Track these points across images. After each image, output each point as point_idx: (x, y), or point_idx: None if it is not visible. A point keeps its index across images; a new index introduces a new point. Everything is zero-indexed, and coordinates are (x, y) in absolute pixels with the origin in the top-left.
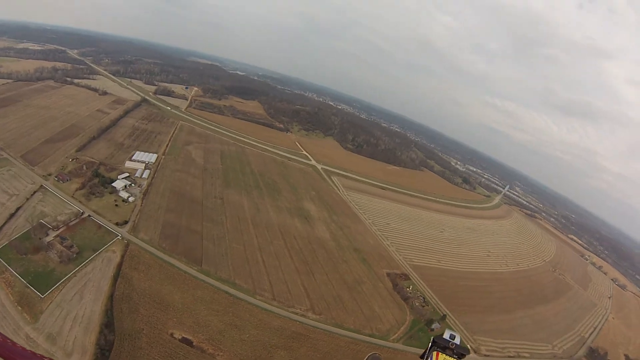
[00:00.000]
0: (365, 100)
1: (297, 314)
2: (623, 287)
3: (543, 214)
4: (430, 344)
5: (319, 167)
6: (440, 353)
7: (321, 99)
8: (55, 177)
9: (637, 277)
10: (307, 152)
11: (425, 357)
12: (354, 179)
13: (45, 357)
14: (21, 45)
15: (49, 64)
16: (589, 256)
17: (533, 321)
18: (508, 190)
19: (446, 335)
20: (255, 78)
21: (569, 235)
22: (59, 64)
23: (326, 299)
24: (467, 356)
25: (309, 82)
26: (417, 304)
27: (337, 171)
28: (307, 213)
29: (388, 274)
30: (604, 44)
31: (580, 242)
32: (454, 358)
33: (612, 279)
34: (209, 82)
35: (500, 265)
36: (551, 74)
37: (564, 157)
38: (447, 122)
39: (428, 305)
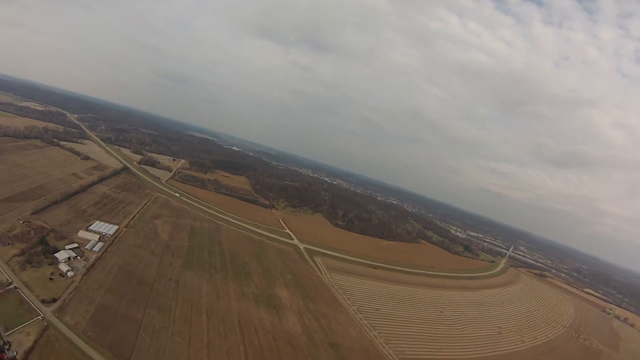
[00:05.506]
0: (361, 175)
1: None
2: None
3: (553, 270)
4: None
5: (302, 246)
6: None
7: (316, 175)
8: None
9: None
10: (290, 230)
11: None
12: (341, 258)
13: None
14: (23, 103)
15: (41, 124)
16: (610, 309)
17: None
18: (513, 252)
19: None
20: (251, 154)
21: (585, 290)
22: (51, 125)
23: None
24: None
25: (305, 158)
26: None
27: (322, 250)
28: (277, 301)
29: None
30: (586, 94)
31: (597, 294)
32: None
33: None
34: (199, 156)
35: (516, 342)
36: (540, 130)
37: (564, 208)
38: (444, 190)
39: None
